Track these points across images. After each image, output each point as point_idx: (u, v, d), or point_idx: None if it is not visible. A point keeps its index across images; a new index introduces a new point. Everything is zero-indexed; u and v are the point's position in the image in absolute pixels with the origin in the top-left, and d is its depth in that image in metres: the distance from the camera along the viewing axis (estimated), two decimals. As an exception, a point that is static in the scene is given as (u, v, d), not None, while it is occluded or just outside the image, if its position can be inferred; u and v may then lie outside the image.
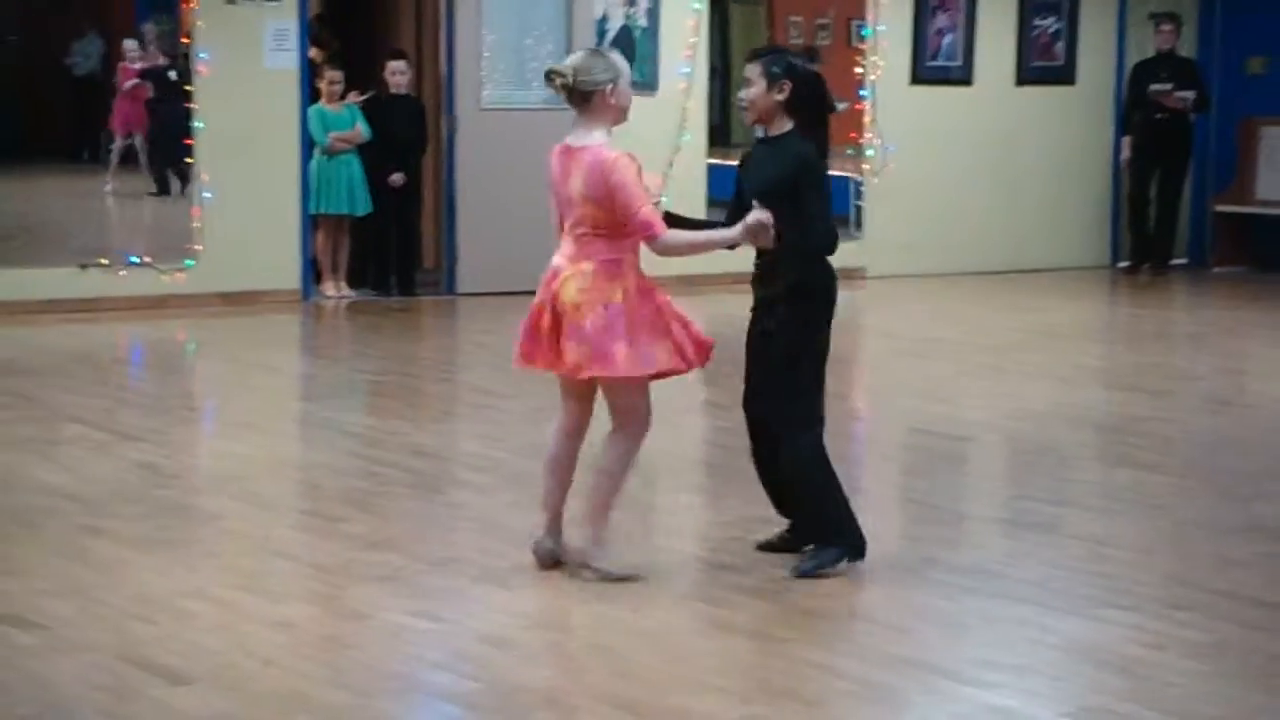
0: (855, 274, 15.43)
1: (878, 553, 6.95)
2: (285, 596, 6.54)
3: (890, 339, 13.10)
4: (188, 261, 13.27)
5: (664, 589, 6.75)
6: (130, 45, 19.03)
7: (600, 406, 6.78)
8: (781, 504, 7.07)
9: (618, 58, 6.65)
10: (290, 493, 8.32)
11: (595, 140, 6.55)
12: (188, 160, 13.32)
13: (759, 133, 7.01)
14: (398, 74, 13.61)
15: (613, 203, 6.45)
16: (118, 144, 19.10)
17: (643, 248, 6.60)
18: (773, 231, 6.47)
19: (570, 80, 6.52)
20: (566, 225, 6.62)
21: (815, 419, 6.83)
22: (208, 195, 13.24)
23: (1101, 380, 11.70)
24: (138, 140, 19.11)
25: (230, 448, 9.10)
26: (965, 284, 15.39)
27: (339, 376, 11.31)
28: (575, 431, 6.81)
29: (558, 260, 6.59)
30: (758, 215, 6.47)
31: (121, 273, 13.10)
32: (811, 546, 6.89)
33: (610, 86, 6.54)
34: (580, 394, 6.76)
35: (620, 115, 6.64)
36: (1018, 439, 9.73)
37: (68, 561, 6.85)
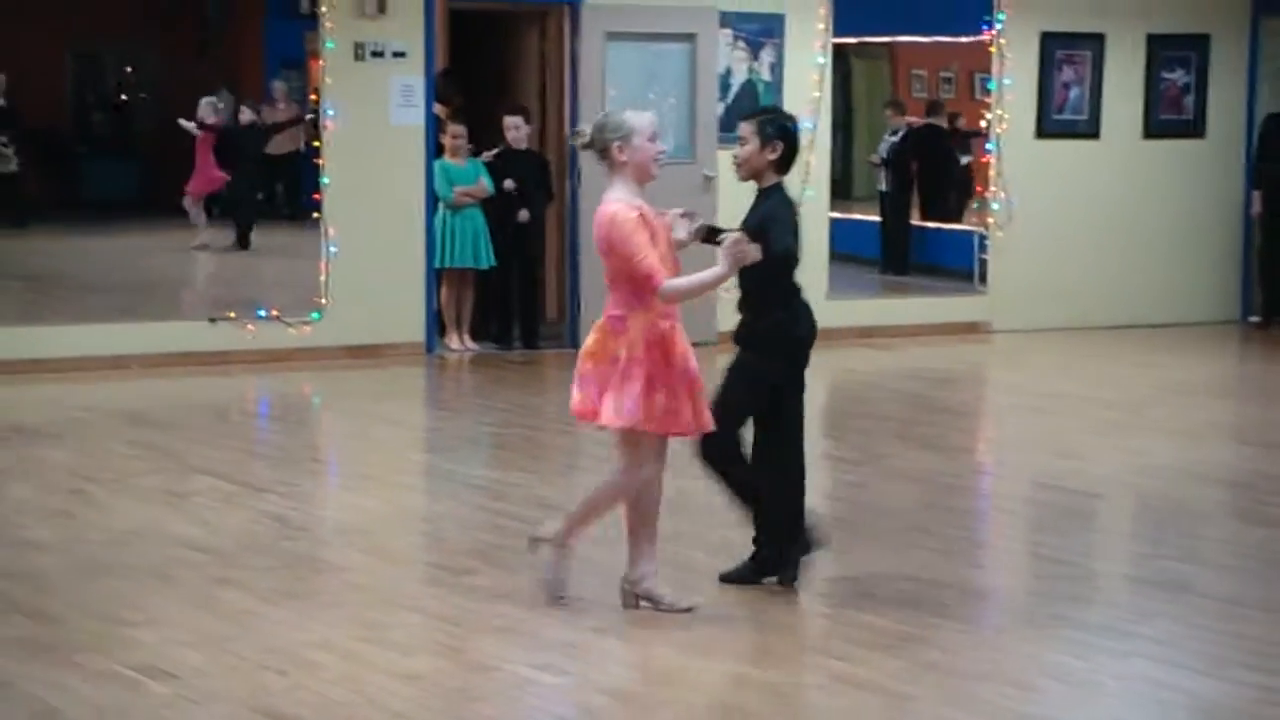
0: (980, 328, 15.35)
1: (1005, 609, 6.88)
2: (411, 649, 6.58)
3: (1016, 394, 12.98)
4: (314, 315, 13.42)
5: (787, 642, 6.72)
6: (206, 102, 19.24)
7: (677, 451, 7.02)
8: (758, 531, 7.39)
9: (633, 116, 6.91)
10: (415, 545, 8.37)
11: (612, 196, 6.81)
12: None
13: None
14: (513, 129, 13.71)
15: (614, 256, 6.73)
16: (196, 201, 19.24)
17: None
18: (749, 245, 6.71)
19: (589, 138, 6.88)
20: None
21: (731, 443, 7.20)
22: (334, 249, 13.39)
23: (1232, 436, 11.52)
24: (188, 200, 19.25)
25: (356, 500, 9.18)
26: (1092, 338, 15.23)
27: (463, 429, 11.37)
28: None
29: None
30: (730, 238, 6.74)
31: (250, 326, 13.26)
32: (774, 578, 7.27)
33: (619, 144, 6.80)
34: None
35: (640, 172, 6.86)
36: (1147, 495, 9.60)
37: (200, 612, 6.94)
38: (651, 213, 6.81)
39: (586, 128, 6.93)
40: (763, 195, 7.25)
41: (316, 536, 8.44)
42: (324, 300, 13.42)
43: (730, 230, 6.92)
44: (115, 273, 17.42)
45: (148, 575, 7.45)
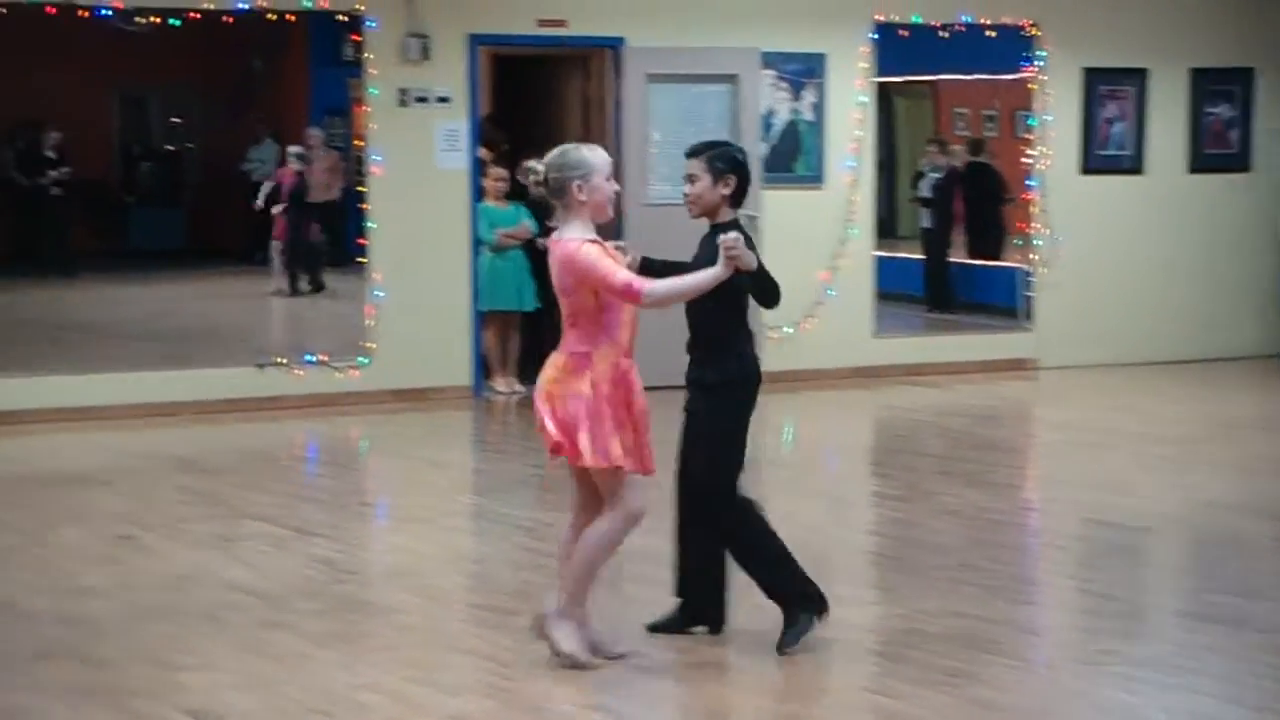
0: (1026, 365, 15.31)
1: (1056, 645, 6.84)
2: (460, 689, 6.59)
3: (1063, 430, 12.94)
4: (362, 359, 13.48)
5: (838, 680, 6.71)
6: (293, 150, 19.45)
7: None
8: (682, 583, 7.19)
9: (590, 152, 6.73)
10: (464, 586, 8.38)
11: (570, 235, 6.65)
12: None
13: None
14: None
15: (579, 292, 6.59)
16: (279, 247, 19.45)
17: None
18: (744, 247, 6.55)
19: (542, 176, 6.68)
20: None
21: (733, 498, 7.00)
22: (380, 294, 13.46)
23: (1283, 470, 11.46)
24: (275, 245, 19.44)
25: (404, 542, 9.21)
26: (1139, 374, 15.18)
27: (510, 471, 11.39)
28: (581, 521, 6.83)
29: (553, 353, 6.78)
30: (727, 238, 6.56)
31: (298, 371, 13.33)
32: (704, 628, 7.11)
33: (579, 183, 6.64)
34: (580, 478, 6.81)
35: (597, 211, 6.70)
36: (1199, 530, 9.55)
37: (250, 655, 6.97)
38: (607, 245, 6.70)
39: (540, 165, 6.70)
40: (719, 230, 6.94)
41: (365, 579, 8.47)
42: (371, 345, 13.48)
43: (658, 261, 6.95)
44: (163, 320, 17.55)
45: (199, 619, 7.49)
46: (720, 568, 7.14)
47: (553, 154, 6.73)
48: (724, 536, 7.01)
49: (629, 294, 6.53)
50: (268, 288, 19.27)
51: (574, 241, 6.60)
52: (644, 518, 6.79)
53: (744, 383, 6.98)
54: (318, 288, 19.28)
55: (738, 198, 6.99)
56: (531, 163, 6.79)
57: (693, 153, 7.05)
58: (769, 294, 6.91)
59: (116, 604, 7.74)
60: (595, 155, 6.71)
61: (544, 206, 14.05)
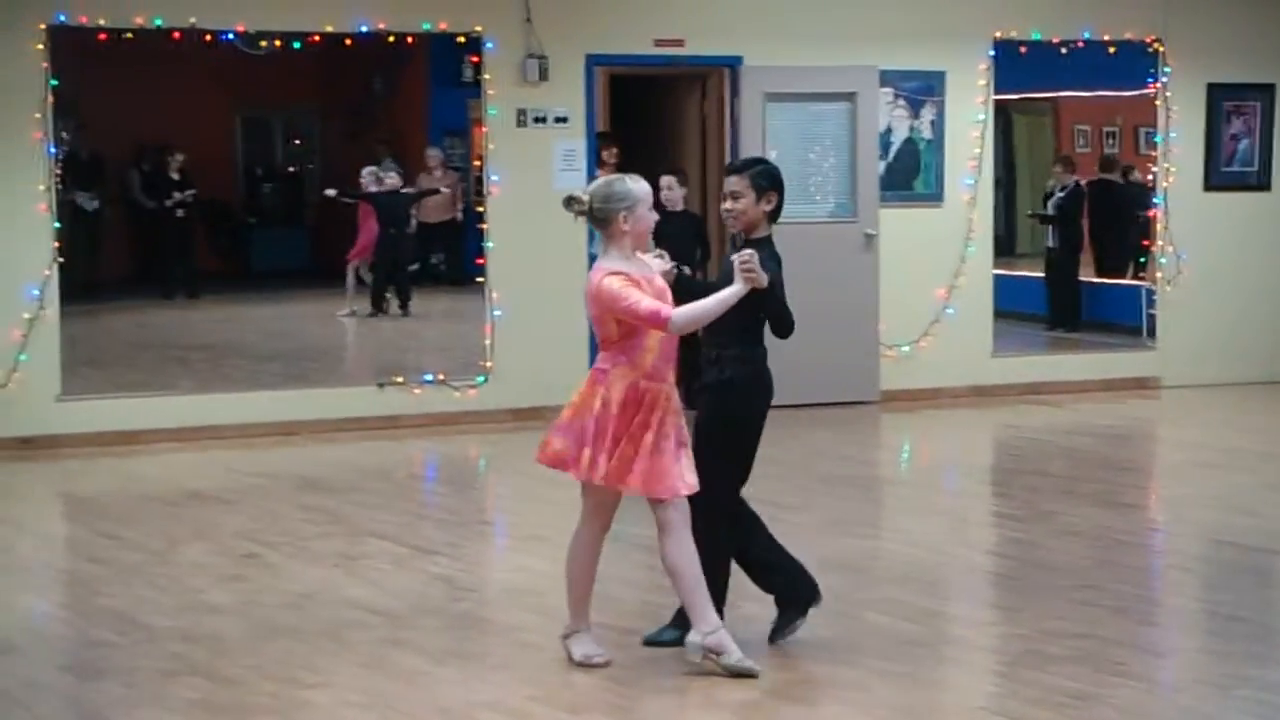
0: (1149, 383, 15.14)
1: (1183, 667, 6.73)
2: (580, 708, 6.59)
3: (1187, 449, 12.77)
4: (480, 378, 13.56)
5: (959, 702, 6.65)
6: (367, 171, 19.51)
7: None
8: (763, 581, 7.36)
9: (635, 184, 6.89)
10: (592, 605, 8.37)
11: (605, 265, 6.82)
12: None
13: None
14: (666, 189, 13.70)
15: (604, 321, 6.80)
16: (355, 267, 19.44)
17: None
18: (758, 266, 6.66)
19: (588, 207, 6.83)
20: None
21: (728, 509, 7.12)
22: (498, 313, 13.53)
23: None
24: (361, 263, 19.44)
25: (524, 560, 9.24)
26: (1263, 393, 14.95)
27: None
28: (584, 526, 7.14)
29: None
30: (740, 257, 6.69)
31: (417, 390, 13.43)
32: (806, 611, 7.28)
33: (625, 214, 6.79)
34: (589, 490, 7.02)
35: (639, 240, 6.90)
36: (1326, 551, 9.39)
37: (372, 673, 7.01)
38: (634, 269, 6.81)
39: (585, 195, 6.87)
40: (752, 246, 7.01)
41: (485, 597, 8.50)
42: (489, 364, 13.56)
43: (685, 275, 7.15)
44: (284, 341, 17.73)
45: (321, 637, 7.55)
46: (776, 549, 7.29)
47: (597, 184, 6.95)
48: (703, 532, 6.98)
49: (655, 321, 6.71)
50: (341, 310, 19.19)
51: (599, 272, 6.80)
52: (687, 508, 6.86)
53: (751, 386, 7.11)
54: (405, 311, 19.15)
55: (776, 214, 7.17)
56: (576, 193, 6.96)
57: (735, 170, 7.25)
58: (781, 323, 7.02)
59: (240, 621, 7.82)
60: (639, 186, 6.90)
61: (658, 227, 14.17)
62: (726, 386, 7.11)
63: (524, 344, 13.51)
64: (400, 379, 13.52)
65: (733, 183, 7.15)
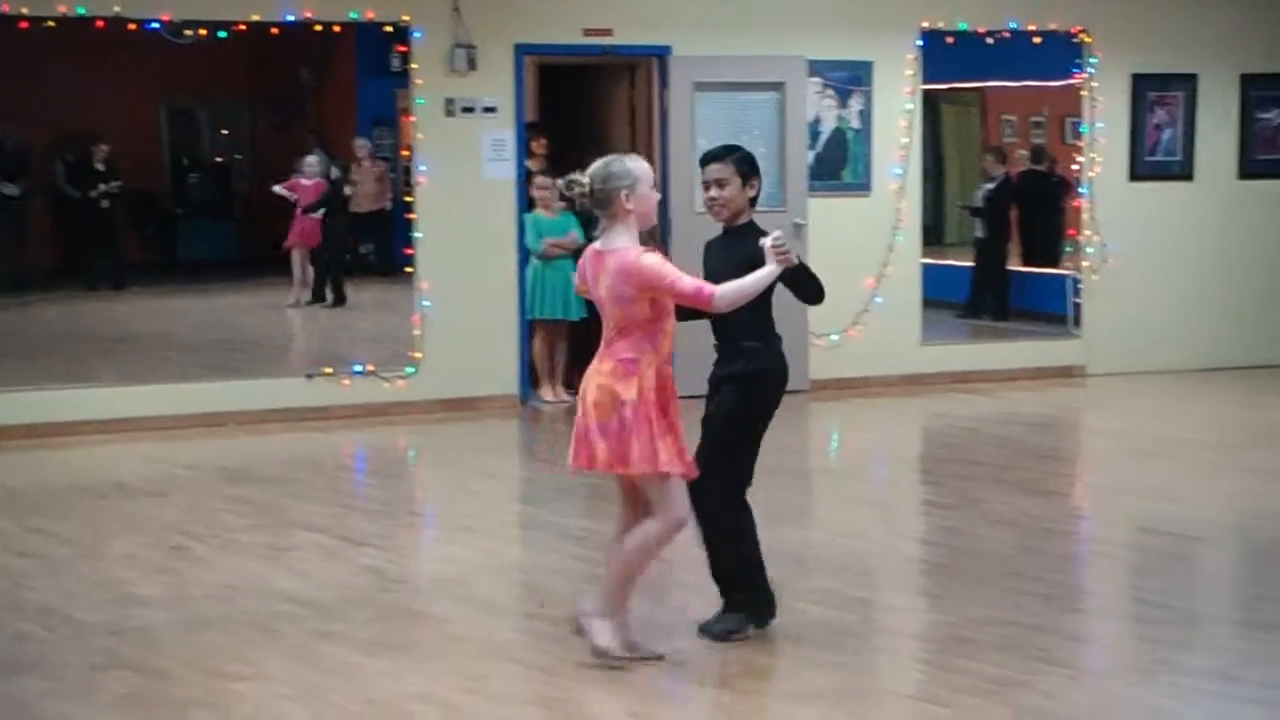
0: (1075, 371, 15.25)
1: (1108, 654, 6.80)
2: (510, 699, 6.60)
3: (1113, 437, 12.88)
4: (409, 369, 13.52)
5: (887, 689, 6.69)
6: (309, 162, 19.44)
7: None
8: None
9: (634, 163, 6.80)
10: (513, 596, 8.39)
11: (621, 244, 6.72)
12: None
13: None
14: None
15: (637, 302, 6.63)
16: (297, 258, 19.37)
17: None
18: (787, 247, 6.70)
19: (588, 188, 6.74)
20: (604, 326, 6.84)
21: (739, 488, 7.07)
22: (427, 303, 13.50)
23: (1335, 477, 11.38)
24: (297, 253, 19.39)
25: (454, 551, 9.22)
26: (1188, 381, 15.09)
27: (558, 480, 11.37)
28: (624, 530, 6.89)
29: (593, 362, 6.80)
30: (773, 239, 6.68)
31: (346, 381, 13.38)
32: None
33: (626, 192, 6.70)
34: (625, 492, 6.87)
35: (644, 219, 6.80)
36: (1251, 538, 9.49)
37: (302, 665, 6.99)
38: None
39: (584, 178, 6.76)
40: (738, 233, 7.06)
41: (415, 588, 8.49)
42: (418, 354, 13.52)
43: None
44: (212, 332, 17.62)
45: (250, 629, 7.51)
46: (758, 555, 7.20)
47: (596, 165, 6.80)
48: (705, 516, 6.98)
49: (700, 299, 6.64)
50: (285, 300, 19.14)
51: (632, 250, 6.66)
52: (686, 525, 6.82)
53: (773, 376, 7.10)
54: (339, 300, 19.11)
55: (756, 200, 7.14)
56: (576, 175, 6.84)
57: (715, 157, 7.11)
58: (813, 291, 6.97)
59: (169, 614, 7.78)
60: (639, 165, 6.80)
61: (593, 216, 14.14)
62: (754, 378, 7.07)
63: (453, 335, 13.48)
64: (329, 370, 13.47)
65: (715, 170, 7.05)
